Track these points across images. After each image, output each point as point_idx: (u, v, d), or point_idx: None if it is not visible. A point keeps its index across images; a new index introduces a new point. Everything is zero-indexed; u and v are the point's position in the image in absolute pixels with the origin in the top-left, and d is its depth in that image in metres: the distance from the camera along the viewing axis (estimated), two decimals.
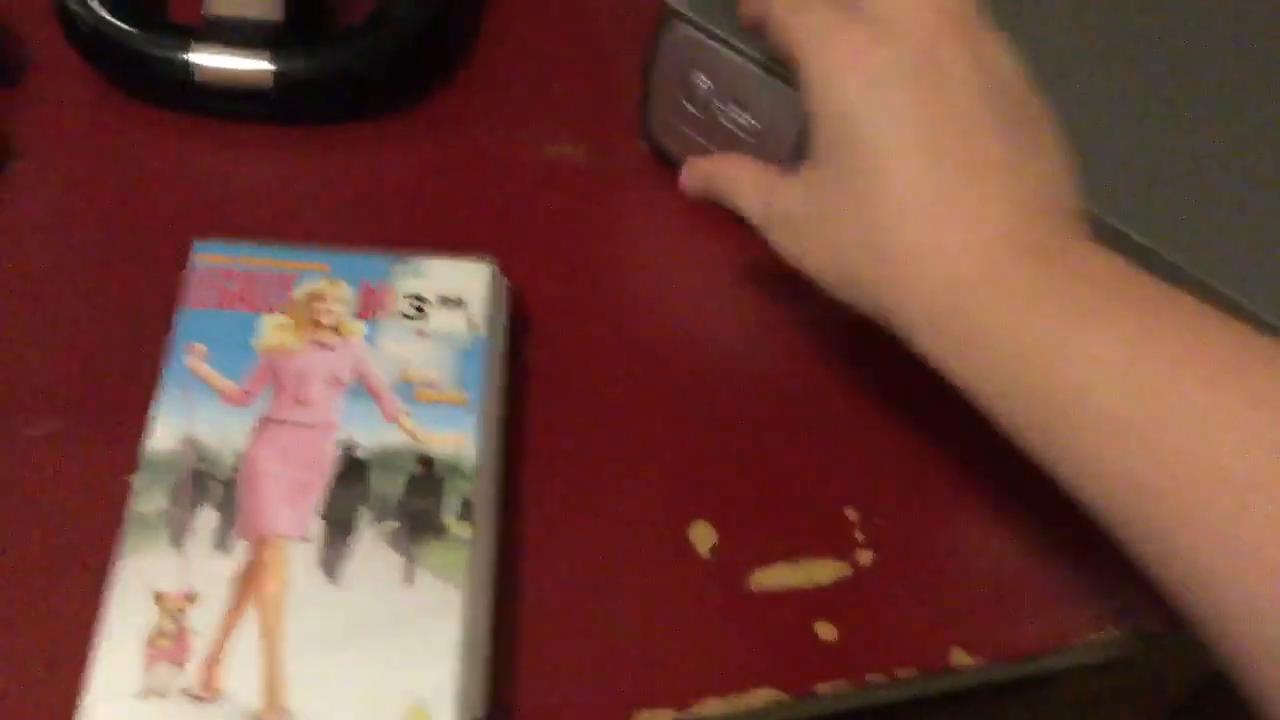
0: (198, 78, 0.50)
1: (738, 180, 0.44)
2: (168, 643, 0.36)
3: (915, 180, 0.36)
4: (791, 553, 0.43)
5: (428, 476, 0.40)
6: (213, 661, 0.36)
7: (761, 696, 0.40)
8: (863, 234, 0.37)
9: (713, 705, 0.39)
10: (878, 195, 0.37)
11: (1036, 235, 0.36)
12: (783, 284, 0.49)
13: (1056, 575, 0.43)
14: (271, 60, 0.50)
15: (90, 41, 0.51)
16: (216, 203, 0.50)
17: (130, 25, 0.50)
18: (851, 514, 0.44)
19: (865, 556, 0.43)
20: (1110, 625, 0.42)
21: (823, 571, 0.42)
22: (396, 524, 0.39)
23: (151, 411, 0.40)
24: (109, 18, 0.50)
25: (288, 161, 0.51)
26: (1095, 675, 0.43)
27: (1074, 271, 0.35)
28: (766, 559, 0.43)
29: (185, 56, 0.50)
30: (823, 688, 0.40)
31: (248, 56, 0.50)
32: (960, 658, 0.41)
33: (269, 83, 0.50)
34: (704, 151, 0.49)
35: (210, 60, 0.50)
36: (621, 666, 0.40)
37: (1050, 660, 0.42)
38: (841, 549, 0.43)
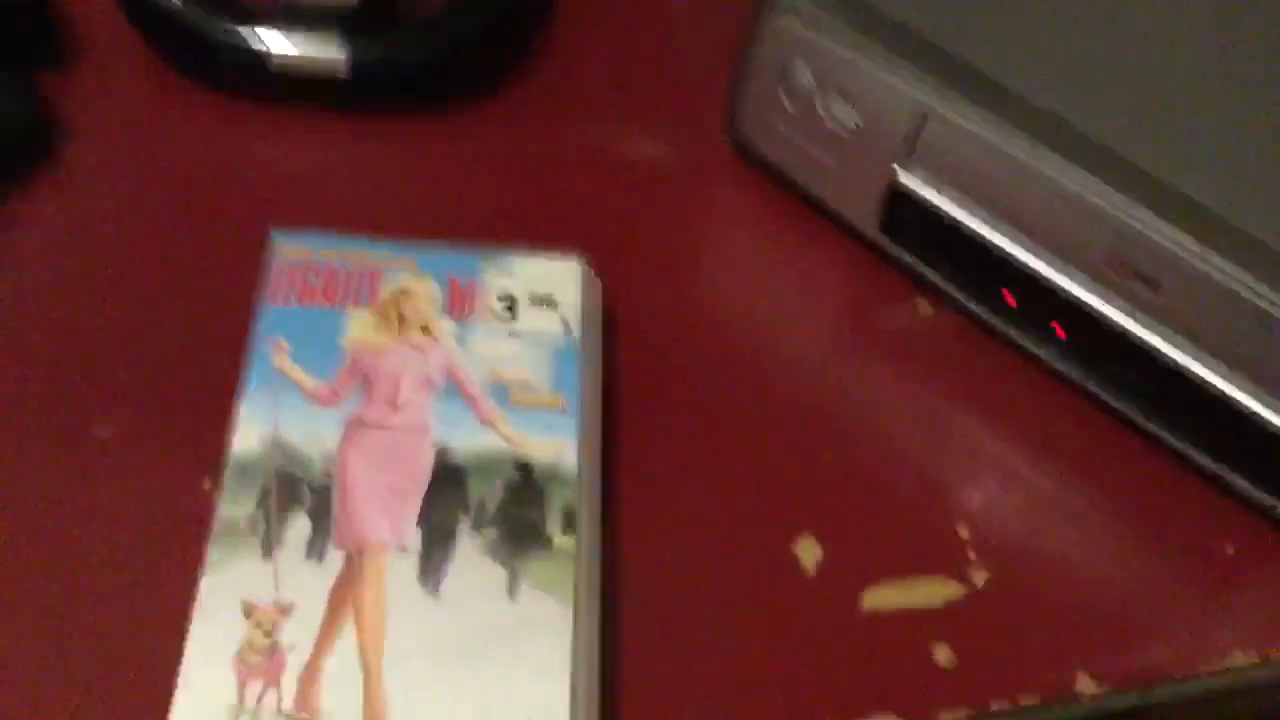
0: (271, 65, 0.48)
1: None
2: (259, 659, 0.34)
3: None
4: (902, 570, 0.41)
5: (527, 484, 0.38)
6: (309, 679, 0.34)
7: None
8: None
9: None
10: None
11: None
12: (879, 289, 0.48)
13: (1184, 598, 0.41)
14: (347, 47, 0.48)
15: (156, 25, 0.49)
16: (286, 192, 0.48)
17: (199, 7, 0.48)
18: (963, 531, 0.42)
19: (979, 576, 0.41)
20: (1240, 651, 0.40)
21: (935, 591, 0.41)
22: (495, 533, 0.37)
23: (235, 410, 0.38)
24: (176, 0, 0.49)
25: (360, 151, 0.50)
26: (1224, 705, 0.41)
27: None
28: (875, 576, 0.41)
29: (259, 43, 0.48)
30: (945, 715, 0.38)
31: (323, 43, 0.48)
32: (1086, 683, 0.39)
33: (344, 70, 0.48)
34: (799, 151, 0.48)
35: (285, 46, 0.48)
36: (730, 688, 0.38)
37: (1179, 688, 0.40)
38: (954, 567, 0.41)
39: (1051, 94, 0.43)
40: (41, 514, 0.39)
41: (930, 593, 0.41)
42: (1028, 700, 0.39)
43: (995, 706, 0.38)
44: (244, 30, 0.48)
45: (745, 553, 0.41)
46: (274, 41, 0.48)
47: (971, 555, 0.42)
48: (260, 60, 0.48)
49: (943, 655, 0.39)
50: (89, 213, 0.47)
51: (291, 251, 0.42)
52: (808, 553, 0.41)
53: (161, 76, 0.51)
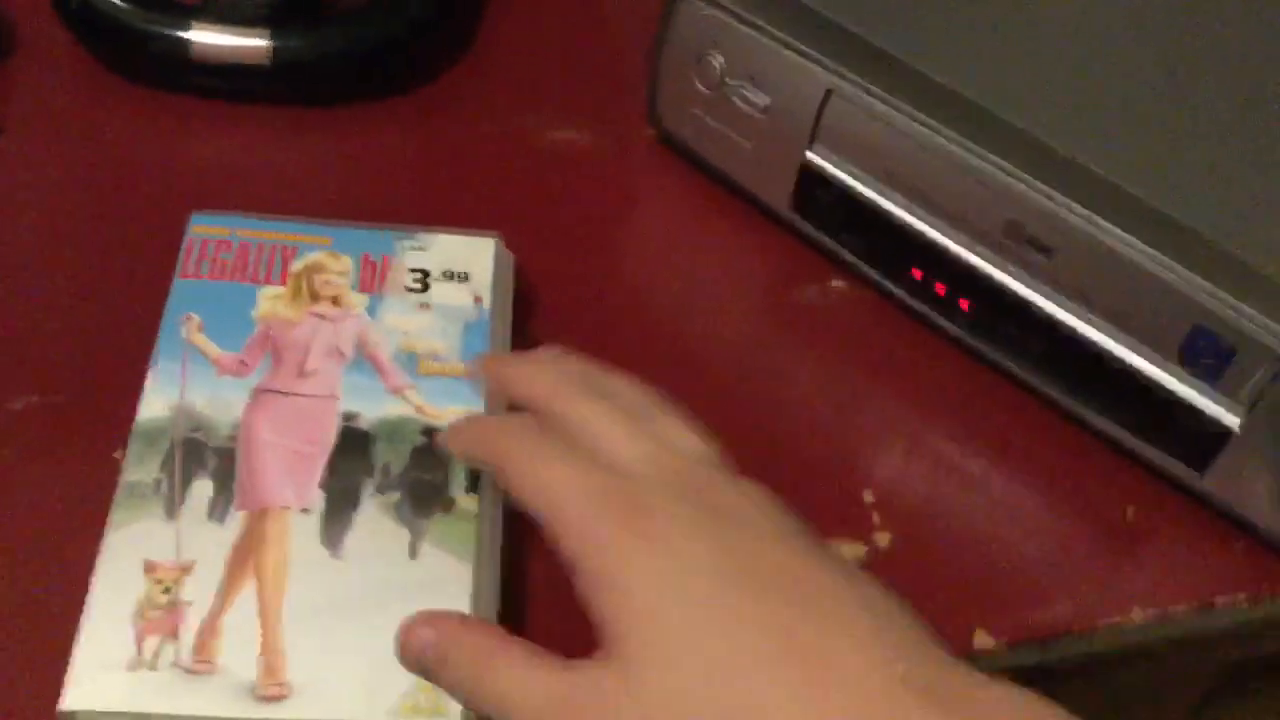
0: (194, 54, 0.50)
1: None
2: (159, 614, 0.35)
3: (762, 642, 0.30)
4: None
5: (433, 450, 0.40)
6: (208, 633, 0.35)
7: None
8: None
9: None
10: (721, 677, 0.29)
11: (928, 677, 0.30)
12: (794, 267, 0.50)
13: (1079, 557, 0.43)
14: (270, 37, 0.50)
15: (81, 17, 0.51)
16: (212, 182, 0.50)
17: (125, 1, 0.51)
18: (868, 496, 0.44)
19: (883, 538, 0.43)
20: (1136, 608, 0.41)
21: (840, 553, 0.42)
22: (399, 495, 0.39)
23: (146, 381, 0.40)
24: None
25: (286, 142, 0.52)
26: (1119, 669, 0.43)
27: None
28: None
29: (181, 32, 0.50)
30: None
31: (246, 34, 0.50)
32: (983, 639, 0.40)
33: (267, 60, 0.50)
34: (716, 135, 0.50)
35: (207, 37, 0.50)
36: None
37: (1074, 644, 0.41)
38: (859, 531, 0.43)
39: (950, 71, 0.45)
40: None
41: None
42: None
43: None
44: (170, 21, 0.50)
45: None
46: (199, 32, 0.50)
47: (875, 519, 0.43)
48: (183, 50, 0.50)
49: None
50: (13, 201, 0.48)
51: (208, 229, 0.44)
52: None
53: (89, 71, 0.53)
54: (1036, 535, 0.43)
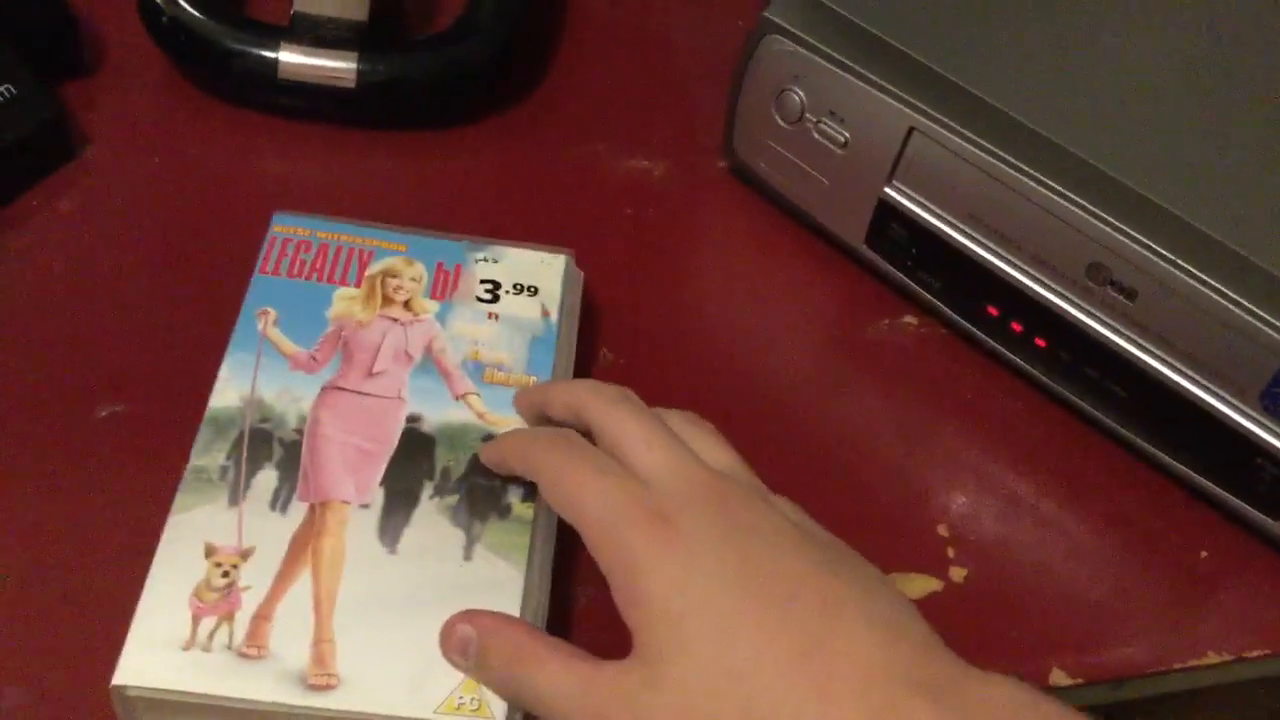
0: (281, 74, 0.52)
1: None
2: (215, 596, 0.36)
3: (767, 646, 0.32)
4: (882, 568, 0.42)
5: None
6: (261, 619, 0.36)
7: None
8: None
9: None
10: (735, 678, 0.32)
11: (936, 680, 0.32)
12: (866, 302, 0.50)
13: (1152, 599, 0.42)
14: (356, 60, 0.52)
15: (171, 34, 0.53)
16: (292, 198, 0.51)
17: (215, 20, 0.53)
18: (943, 530, 0.43)
19: (958, 574, 0.42)
20: (1210, 652, 0.41)
21: (914, 586, 0.42)
22: (457, 498, 0.39)
23: (220, 370, 0.41)
24: (193, 11, 0.53)
25: (367, 162, 0.53)
26: (1192, 709, 0.42)
27: (978, 710, 0.31)
28: None
29: (270, 53, 0.52)
30: None
31: (332, 56, 0.52)
32: (1060, 677, 0.40)
33: (352, 82, 0.52)
34: (791, 168, 0.51)
35: (295, 57, 0.52)
36: None
37: (1151, 684, 0.40)
38: (934, 565, 0.43)
39: (1032, 109, 0.45)
40: (47, 493, 0.42)
41: (909, 588, 0.42)
42: None
43: None
44: (260, 41, 0.52)
45: None
46: (287, 53, 0.52)
47: (950, 553, 0.43)
48: (270, 69, 0.52)
49: None
50: (99, 213, 0.50)
51: (288, 229, 0.45)
52: None
53: (177, 88, 0.55)
54: (1110, 575, 0.43)
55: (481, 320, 0.44)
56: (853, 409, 0.47)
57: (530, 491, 0.39)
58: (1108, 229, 0.43)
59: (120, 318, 0.47)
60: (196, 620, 0.35)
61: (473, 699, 0.35)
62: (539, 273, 0.46)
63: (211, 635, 0.35)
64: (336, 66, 0.52)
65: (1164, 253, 0.42)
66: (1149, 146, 0.45)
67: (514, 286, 0.45)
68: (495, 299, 0.45)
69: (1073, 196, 0.43)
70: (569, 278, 0.46)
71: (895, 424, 0.47)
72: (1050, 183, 0.44)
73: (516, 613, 0.37)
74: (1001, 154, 0.44)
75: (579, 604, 0.40)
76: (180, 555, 0.37)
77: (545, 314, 0.44)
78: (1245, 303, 0.40)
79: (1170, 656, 0.40)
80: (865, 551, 0.43)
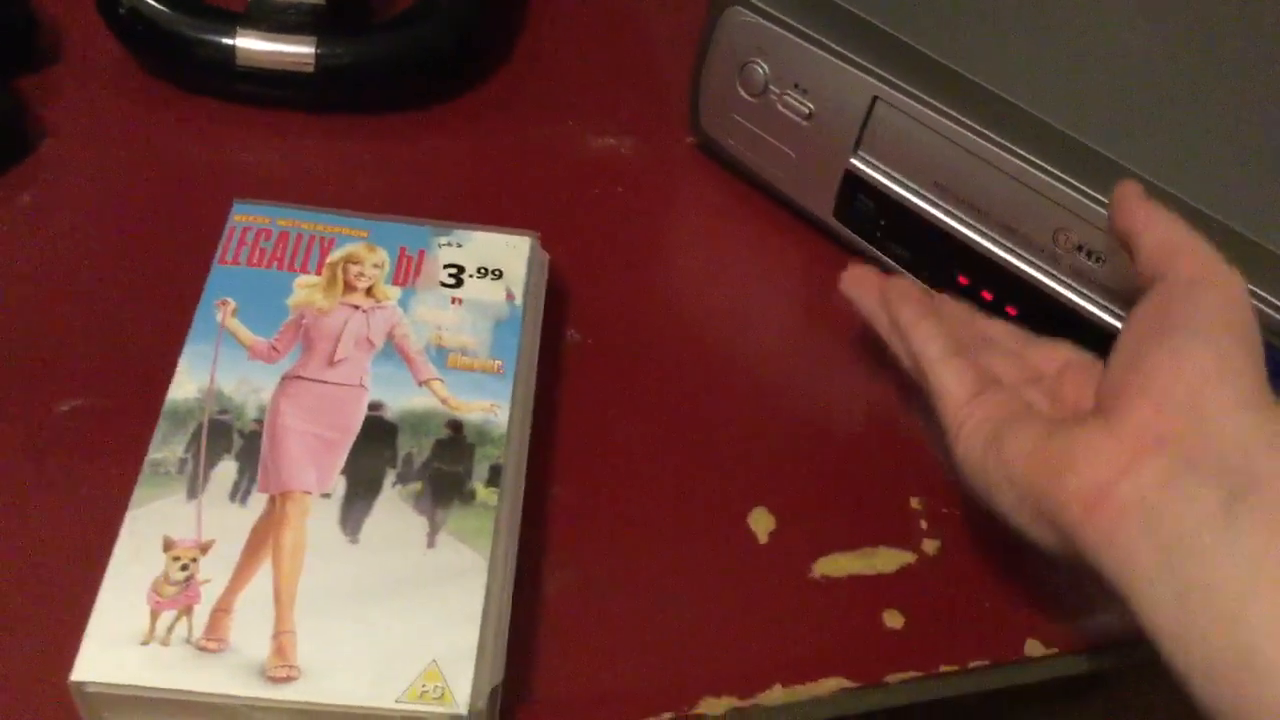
0: (239, 61, 0.52)
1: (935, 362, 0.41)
2: (174, 590, 0.36)
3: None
4: (854, 541, 0.42)
5: (457, 441, 0.40)
6: (221, 612, 0.36)
7: (828, 685, 0.39)
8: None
9: (777, 694, 0.39)
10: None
11: None
12: (835, 273, 0.50)
13: None
14: (315, 45, 0.52)
15: (128, 24, 0.53)
16: (254, 185, 0.51)
17: (171, 8, 0.52)
18: (915, 502, 0.43)
19: (931, 545, 0.42)
20: None
21: (887, 560, 0.42)
22: (420, 485, 0.39)
23: (178, 363, 0.41)
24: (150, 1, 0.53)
25: (329, 147, 0.53)
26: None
27: None
28: (828, 547, 0.42)
29: (227, 39, 0.52)
30: (893, 677, 0.39)
31: (291, 41, 0.52)
32: (1035, 648, 0.40)
33: (311, 67, 0.52)
34: (758, 141, 0.51)
35: (252, 43, 0.52)
36: (681, 652, 0.40)
37: (1126, 653, 0.40)
38: (906, 538, 0.43)
39: (997, 76, 0.45)
40: (5, 489, 0.41)
41: (881, 561, 0.42)
42: (976, 664, 0.40)
43: (944, 669, 0.39)
44: (217, 28, 0.52)
45: (695, 521, 0.43)
46: (245, 39, 0.52)
47: (923, 525, 0.43)
48: (228, 56, 0.52)
49: (892, 620, 0.41)
50: (58, 205, 0.50)
51: (248, 217, 0.45)
52: (761, 524, 0.43)
53: (135, 78, 0.55)
54: None
55: (445, 305, 0.44)
56: (824, 382, 0.47)
57: (494, 477, 0.39)
58: (1074, 193, 0.42)
59: (80, 311, 0.46)
60: (155, 614, 0.35)
61: (436, 686, 0.35)
62: (503, 256, 0.45)
63: (170, 629, 0.35)
64: (295, 51, 0.52)
65: None
66: (1114, 110, 0.45)
67: (478, 270, 0.45)
68: (459, 283, 0.44)
69: (1035, 160, 0.43)
70: (534, 260, 0.46)
71: (867, 397, 0.47)
72: (1015, 148, 0.43)
73: (481, 598, 0.37)
74: (966, 121, 0.44)
75: (548, 589, 0.40)
76: (139, 549, 0.37)
77: (510, 297, 0.44)
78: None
79: None
80: (837, 524, 0.43)
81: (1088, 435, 0.34)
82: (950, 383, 0.40)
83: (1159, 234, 0.38)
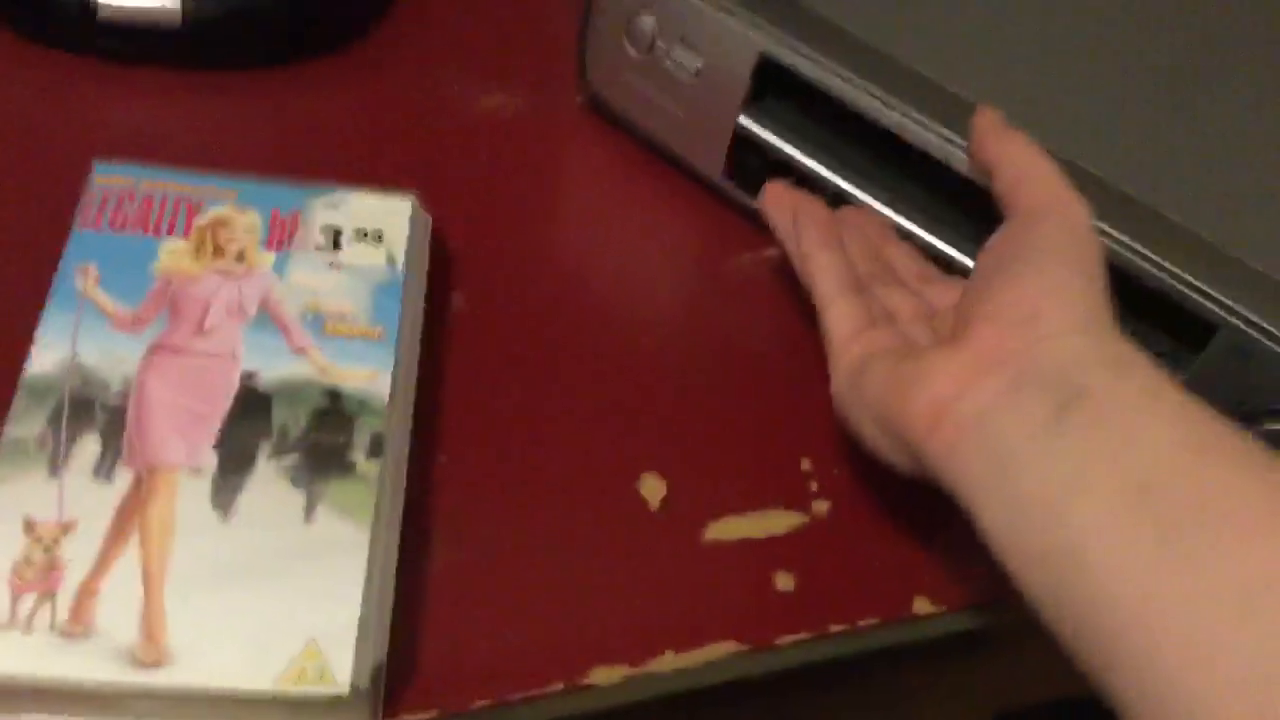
0: (100, 15, 0.50)
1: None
2: (35, 573, 0.34)
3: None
4: (745, 504, 0.42)
5: (335, 411, 0.39)
6: (86, 595, 0.34)
7: (719, 650, 0.39)
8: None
9: (669, 660, 0.39)
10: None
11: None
12: (727, 235, 0.50)
13: None
14: None
15: None
16: (121, 146, 0.48)
17: None
18: (806, 464, 0.44)
19: (821, 507, 0.43)
20: None
21: (778, 522, 0.42)
22: (297, 458, 0.38)
23: (35, 334, 0.39)
24: None
25: (199, 106, 0.51)
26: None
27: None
28: (719, 511, 0.42)
29: None
30: (783, 639, 0.39)
31: None
32: (923, 605, 0.40)
33: (177, 20, 0.50)
34: (647, 100, 0.50)
35: None
36: (571, 622, 0.39)
37: (1010, 611, 0.41)
38: (796, 499, 0.43)
39: (885, 35, 0.45)
40: None
41: (772, 523, 0.42)
42: (866, 622, 0.40)
43: (835, 629, 0.40)
44: None
45: (584, 488, 0.42)
46: None
47: (814, 487, 0.43)
48: (89, 10, 0.49)
49: (784, 582, 0.41)
50: None
51: (111, 179, 0.43)
52: (651, 490, 0.43)
53: None
54: None
55: (322, 270, 0.42)
56: (715, 345, 0.47)
57: (376, 448, 0.38)
58: (961, 153, 0.43)
59: None
60: (16, 599, 0.34)
61: (316, 666, 0.34)
62: (383, 218, 0.44)
63: (32, 614, 0.34)
64: (160, 5, 0.50)
65: None
66: (1004, 70, 0.45)
67: (356, 233, 0.44)
68: (337, 247, 0.43)
69: (925, 120, 0.43)
70: (416, 222, 0.45)
71: (757, 358, 0.47)
72: (902, 106, 0.43)
73: (362, 573, 0.36)
74: (854, 78, 0.44)
75: (434, 562, 0.40)
76: None
77: (390, 261, 0.43)
78: (1129, 240, 0.41)
79: None
80: (729, 487, 0.43)
81: (934, 358, 0.37)
82: (835, 321, 0.41)
83: (1012, 166, 0.39)
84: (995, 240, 0.39)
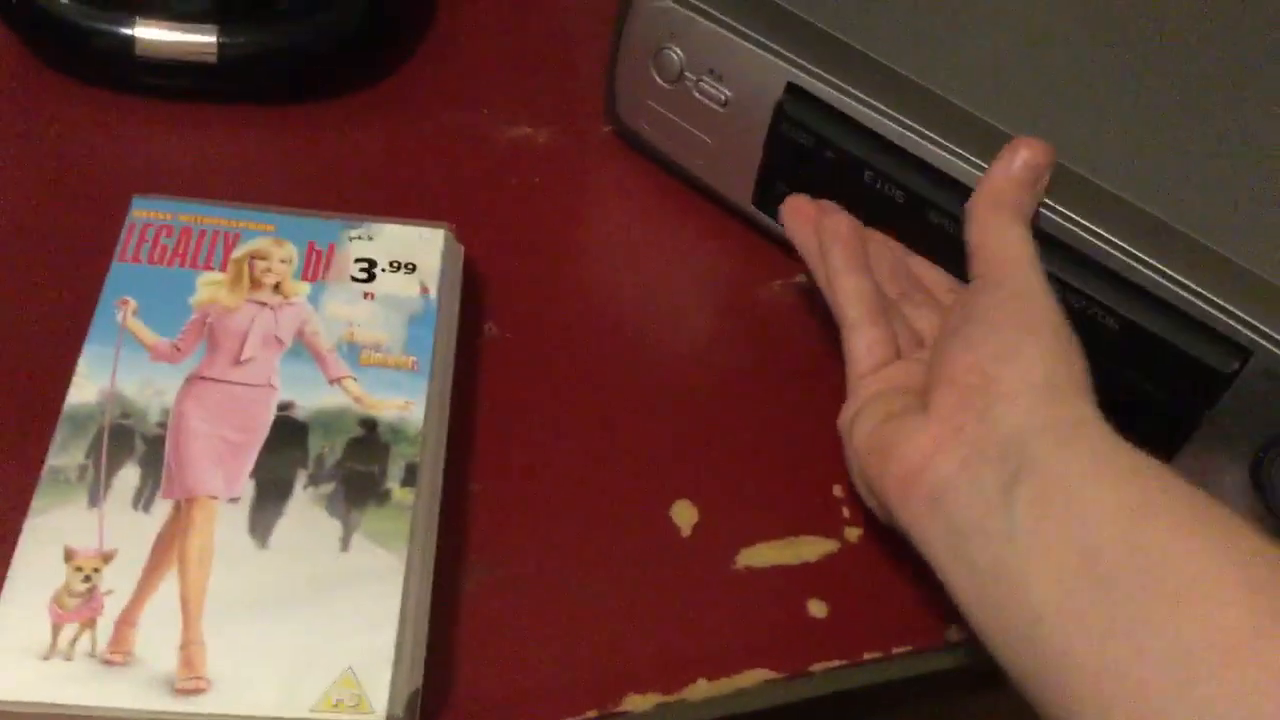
0: (138, 52, 0.51)
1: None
2: (76, 602, 0.35)
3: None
4: (778, 531, 0.43)
5: (370, 440, 0.40)
6: (126, 624, 0.35)
7: (752, 677, 0.39)
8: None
9: (702, 688, 0.39)
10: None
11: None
12: (757, 262, 0.50)
13: None
14: (217, 33, 0.51)
15: (22, 14, 0.51)
16: (157, 180, 0.50)
17: None
18: (838, 490, 0.44)
19: (853, 533, 0.43)
20: None
21: (810, 549, 0.42)
22: (333, 487, 0.38)
23: (77, 366, 0.40)
24: None
25: (235, 139, 0.52)
26: None
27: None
28: (752, 538, 0.42)
29: (125, 29, 0.50)
30: (817, 666, 0.39)
31: (192, 30, 0.51)
32: (956, 633, 0.40)
33: (213, 56, 0.51)
34: (675, 129, 0.50)
35: (152, 33, 0.50)
36: (604, 649, 0.39)
37: None
38: (829, 526, 0.43)
39: (912, 62, 0.45)
40: None
41: (805, 550, 0.42)
42: (900, 650, 0.40)
43: (868, 657, 0.40)
44: (114, 17, 0.50)
45: (617, 516, 0.43)
46: (144, 29, 0.50)
47: (846, 513, 0.43)
48: (127, 47, 0.50)
49: (817, 609, 0.41)
50: None
51: (149, 213, 0.44)
52: (684, 517, 0.43)
53: (31, 70, 0.53)
54: None
55: (357, 300, 0.43)
56: (745, 371, 0.47)
57: (410, 477, 0.39)
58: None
59: None
60: (57, 628, 0.34)
61: (351, 694, 0.34)
62: (416, 249, 0.45)
63: (73, 643, 0.34)
64: (197, 40, 0.51)
65: (1049, 202, 0.42)
66: (1031, 98, 0.45)
67: (390, 264, 0.44)
68: (371, 278, 0.44)
69: (950, 146, 0.43)
70: (448, 252, 0.45)
71: (787, 385, 0.47)
72: (928, 133, 0.44)
73: (398, 601, 0.36)
74: (881, 107, 0.44)
75: (468, 589, 0.40)
76: (38, 560, 0.36)
77: (424, 291, 0.44)
78: (1132, 249, 0.41)
79: None
80: (761, 514, 0.43)
81: (908, 428, 0.38)
82: (856, 351, 0.42)
83: (979, 232, 0.40)
84: (955, 303, 0.40)
